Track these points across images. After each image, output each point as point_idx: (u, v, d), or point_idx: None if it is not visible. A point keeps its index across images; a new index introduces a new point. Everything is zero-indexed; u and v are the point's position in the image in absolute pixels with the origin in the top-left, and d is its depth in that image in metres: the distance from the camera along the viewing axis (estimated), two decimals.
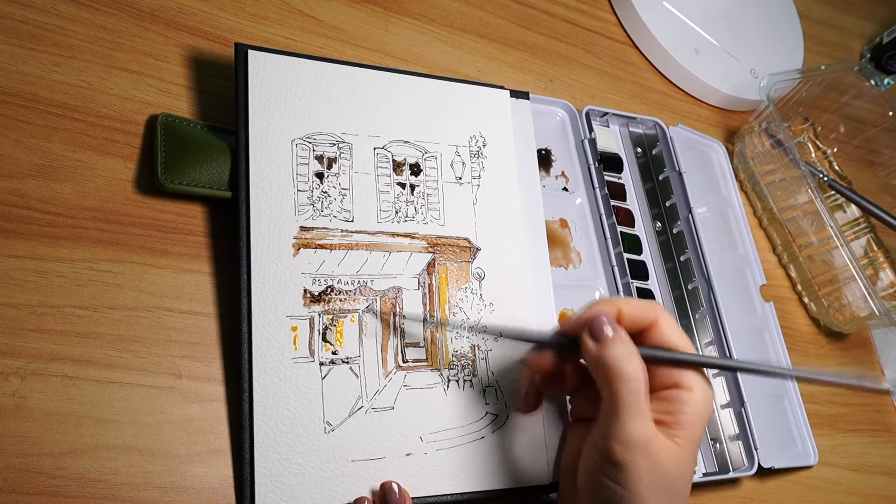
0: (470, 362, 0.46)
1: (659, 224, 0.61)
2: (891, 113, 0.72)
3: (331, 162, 0.46)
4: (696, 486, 0.53)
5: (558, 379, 0.44)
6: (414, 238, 0.47)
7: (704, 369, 0.40)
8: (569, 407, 0.46)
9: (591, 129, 0.60)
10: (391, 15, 0.59)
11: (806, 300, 0.68)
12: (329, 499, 0.40)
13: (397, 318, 0.45)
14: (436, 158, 0.50)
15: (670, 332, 0.40)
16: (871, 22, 0.95)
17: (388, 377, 0.44)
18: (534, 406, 0.45)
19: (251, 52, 0.46)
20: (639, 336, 0.40)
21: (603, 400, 0.38)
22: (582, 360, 0.42)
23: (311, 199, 0.45)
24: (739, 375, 0.56)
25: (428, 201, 0.49)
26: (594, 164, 0.60)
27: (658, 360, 0.39)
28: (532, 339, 0.44)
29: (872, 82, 0.72)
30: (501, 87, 0.54)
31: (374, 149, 0.48)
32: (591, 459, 0.38)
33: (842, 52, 0.90)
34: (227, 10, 0.52)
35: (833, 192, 0.72)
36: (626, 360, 0.37)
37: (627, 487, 0.36)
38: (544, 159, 0.59)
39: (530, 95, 0.56)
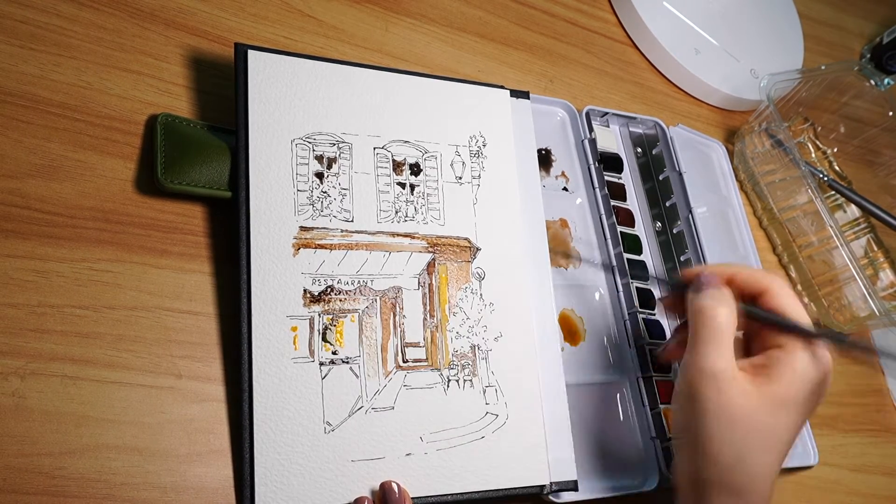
0: (470, 362, 0.46)
1: (659, 224, 0.61)
2: (891, 113, 0.72)
3: (331, 162, 0.46)
4: None
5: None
6: (414, 238, 0.47)
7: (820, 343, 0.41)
8: None
9: (591, 129, 0.60)
10: (391, 15, 0.59)
11: (806, 300, 0.68)
12: (329, 499, 0.40)
13: (397, 318, 0.46)
14: (436, 158, 0.50)
15: (782, 297, 0.42)
16: (871, 22, 0.95)
17: (388, 377, 0.44)
18: (672, 354, 0.47)
19: (251, 52, 0.46)
20: (752, 299, 0.42)
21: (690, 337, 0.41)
22: None
23: (310, 199, 0.45)
24: None
25: (428, 201, 0.49)
26: (594, 164, 0.60)
27: (760, 319, 0.42)
28: (663, 283, 0.51)
29: (872, 82, 0.72)
30: (501, 87, 0.54)
31: (374, 149, 0.48)
32: (674, 393, 0.42)
33: (842, 52, 0.90)
34: (227, 10, 0.52)
35: (833, 192, 0.72)
36: (713, 300, 0.40)
37: (696, 417, 0.39)
38: (544, 159, 0.59)
39: (530, 95, 0.56)
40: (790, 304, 0.42)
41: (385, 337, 0.45)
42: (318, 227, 0.45)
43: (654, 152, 0.64)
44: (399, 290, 0.46)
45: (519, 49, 0.64)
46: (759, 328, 0.43)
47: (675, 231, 0.61)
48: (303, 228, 0.44)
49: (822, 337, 0.41)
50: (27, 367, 0.38)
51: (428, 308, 0.47)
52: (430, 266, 0.47)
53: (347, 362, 0.43)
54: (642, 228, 0.60)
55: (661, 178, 0.63)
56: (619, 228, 0.58)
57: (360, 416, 0.42)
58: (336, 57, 0.52)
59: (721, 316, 0.40)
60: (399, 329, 0.45)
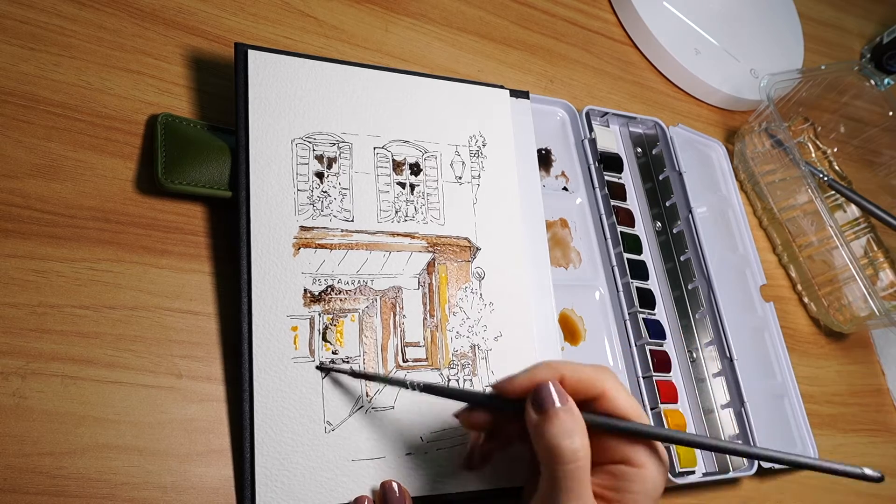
0: (470, 362, 0.46)
1: (659, 224, 0.61)
2: (891, 113, 0.72)
3: (331, 161, 0.46)
4: (697, 487, 0.53)
5: (501, 436, 0.41)
6: (414, 238, 0.47)
7: (659, 443, 0.37)
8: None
9: (591, 129, 0.60)
10: (391, 15, 0.59)
11: (806, 300, 0.68)
12: (329, 498, 0.40)
13: (397, 318, 0.46)
14: (436, 158, 0.50)
15: (620, 399, 0.37)
16: (871, 22, 0.95)
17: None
18: (479, 465, 0.43)
19: (251, 52, 0.46)
20: (586, 404, 0.37)
21: (542, 476, 0.35)
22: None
23: (311, 199, 0.45)
24: (740, 375, 0.56)
25: (428, 201, 0.49)
26: (594, 164, 0.60)
27: (606, 429, 0.36)
28: (470, 400, 0.40)
29: (872, 82, 0.72)
30: (501, 87, 0.54)
31: (374, 148, 0.48)
32: None
33: (842, 52, 0.90)
34: (227, 9, 0.52)
35: (833, 192, 0.72)
36: (569, 438, 0.34)
37: None
38: (544, 159, 0.59)
39: (530, 95, 0.56)
40: (630, 405, 0.37)
41: (385, 336, 0.45)
42: (318, 227, 0.45)
43: (654, 152, 0.64)
44: (399, 289, 0.46)
45: (519, 49, 0.64)
46: (599, 436, 0.37)
47: (675, 231, 0.61)
48: (303, 228, 0.44)
49: (674, 441, 0.37)
50: (27, 366, 0.38)
51: (428, 308, 0.47)
52: (430, 266, 0.47)
53: (348, 362, 0.43)
54: (642, 228, 0.60)
55: (661, 178, 0.63)
56: (619, 228, 0.58)
57: (361, 416, 0.42)
58: (336, 57, 0.52)
59: (581, 452, 0.34)
60: (399, 329, 0.45)
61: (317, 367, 0.42)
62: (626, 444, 0.36)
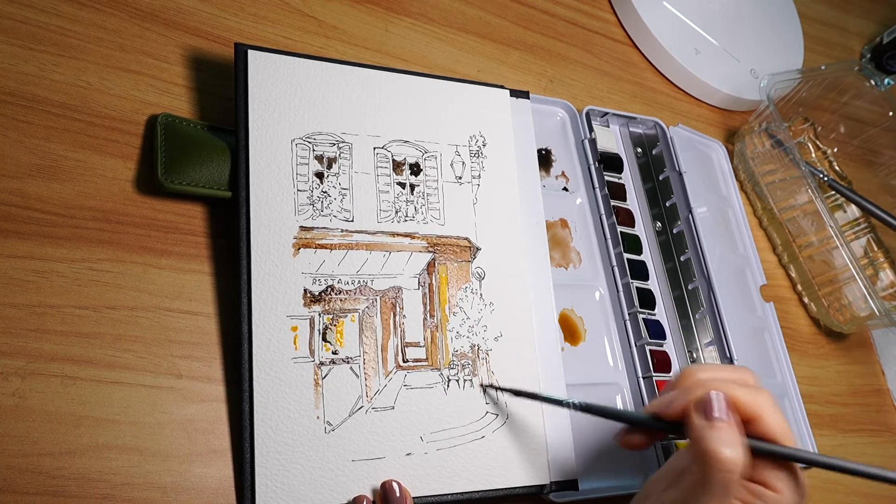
0: (470, 362, 0.46)
1: (659, 224, 0.61)
2: (891, 113, 0.72)
3: (331, 162, 0.46)
4: None
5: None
6: (414, 238, 0.47)
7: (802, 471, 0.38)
8: None
9: (591, 129, 0.60)
10: (391, 15, 0.59)
11: (806, 300, 0.68)
12: (329, 498, 0.40)
13: (397, 318, 0.46)
14: (436, 158, 0.50)
15: (773, 423, 0.37)
16: (871, 22, 0.95)
17: (389, 377, 0.44)
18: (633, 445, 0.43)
19: (251, 52, 0.46)
20: (744, 424, 0.38)
21: (695, 473, 0.36)
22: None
23: (311, 199, 0.45)
24: None
25: (428, 201, 0.49)
26: (594, 164, 0.60)
27: (759, 453, 0.37)
28: (630, 421, 0.41)
29: (872, 82, 0.72)
30: (501, 87, 0.54)
31: (374, 148, 0.48)
32: None
33: (842, 52, 0.90)
34: (227, 10, 0.52)
35: (833, 192, 0.72)
36: (730, 447, 0.35)
37: None
38: (544, 159, 0.59)
39: (530, 95, 0.56)
40: (781, 430, 0.37)
41: (385, 337, 0.45)
42: (318, 227, 0.45)
43: (654, 152, 0.64)
44: (399, 289, 0.46)
45: (519, 49, 0.64)
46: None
47: (675, 231, 0.61)
48: (303, 228, 0.44)
49: (839, 469, 0.38)
50: (28, 367, 0.38)
51: (428, 308, 0.47)
52: (430, 266, 0.47)
53: (348, 362, 0.43)
54: (642, 228, 0.60)
55: (661, 178, 0.63)
56: (619, 228, 0.58)
57: (361, 416, 0.42)
58: (336, 57, 0.52)
59: (738, 463, 0.35)
60: (399, 329, 0.45)
61: (480, 385, 0.46)
62: (770, 467, 0.37)
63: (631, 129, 0.64)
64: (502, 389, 0.46)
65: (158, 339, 0.41)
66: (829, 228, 0.61)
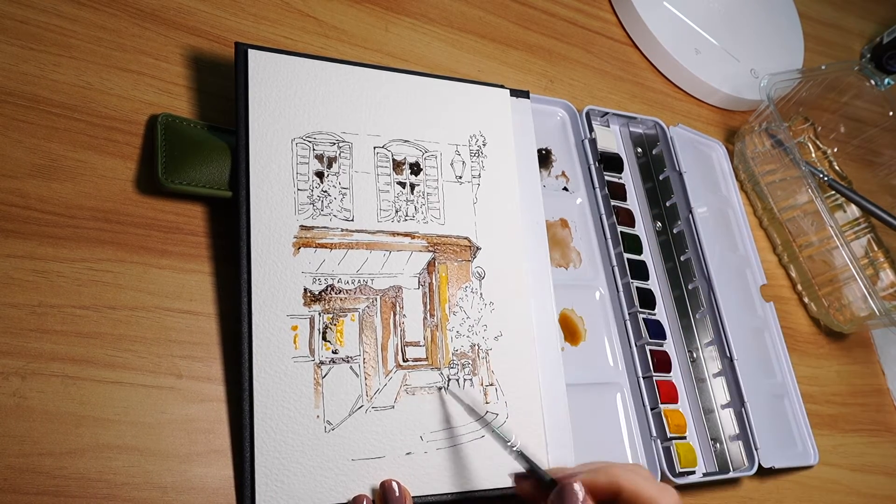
0: (470, 361, 0.46)
1: (659, 224, 0.61)
2: (891, 113, 0.72)
3: (331, 161, 0.46)
4: (697, 486, 0.53)
5: None
6: (414, 237, 0.47)
7: None
8: None
9: (591, 129, 0.60)
10: (391, 15, 0.59)
11: (806, 300, 0.68)
12: (329, 498, 0.40)
13: (397, 317, 0.46)
14: (436, 157, 0.50)
15: None
16: (871, 22, 0.95)
17: (389, 376, 0.44)
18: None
19: (251, 52, 0.46)
20: None
21: None
22: None
23: (311, 199, 0.45)
24: (740, 375, 0.56)
25: (428, 200, 0.49)
26: (594, 164, 0.60)
27: None
28: (532, 474, 0.41)
29: (872, 82, 0.72)
30: (501, 87, 0.54)
31: (374, 148, 0.48)
32: None
33: (842, 52, 0.90)
34: (227, 9, 0.52)
35: (833, 192, 0.72)
36: None
37: None
38: (544, 159, 0.59)
39: (530, 95, 0.56)
40: None
41: (385, 336, 0.45)
42: (318, 227, 0.45)
43: (654, 152, 0.64)
44: (399, 289, 0.46)
45: (519, 49, 0.64)
46: None
47: (675, 231, 0.61)
48: (303, 227, 0.44)
49: None
50: (28, 367, 0.38)
51: (428, 307, 0.47)
52: (431, 265, 0.47)
53: (348, 361, 0.43)
54: (642, 228, 0.60)
55: (661, 178, 0.63)
56: (619, 228, 0.58)
57: (361, 415, 0.42)
58: (336, 57, 0.52)
59: None
60: (399, 328, 0.45)
61: (438, 388, 0.45)
62: None
63: (631, 129, 0.64)
64: (459, 399, 0.44)
65: (158, 339, 0.41)
66: (830, 228, 0.61)
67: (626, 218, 0.59)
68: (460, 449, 0.44)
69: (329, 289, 0.44)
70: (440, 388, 0.45)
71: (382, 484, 0.41)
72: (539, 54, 0.65)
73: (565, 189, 0.59)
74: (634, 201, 0.61)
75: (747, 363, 0.57)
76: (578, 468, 0.40)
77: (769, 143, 0.67)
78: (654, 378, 0.53)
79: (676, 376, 0.56)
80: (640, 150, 0.64)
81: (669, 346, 0.56)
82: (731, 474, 0.53)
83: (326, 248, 0.44)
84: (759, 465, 0.54)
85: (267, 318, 0.42)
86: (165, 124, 0.44)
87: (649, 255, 0.59)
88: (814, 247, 0.66)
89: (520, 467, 0.42)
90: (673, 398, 0.54)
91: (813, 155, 0.76)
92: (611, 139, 0.61)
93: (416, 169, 0.49)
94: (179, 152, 0.44)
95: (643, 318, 0.55)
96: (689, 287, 0.59)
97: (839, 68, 0.72)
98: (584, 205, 0.59)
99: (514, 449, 0.41)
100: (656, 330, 0.55)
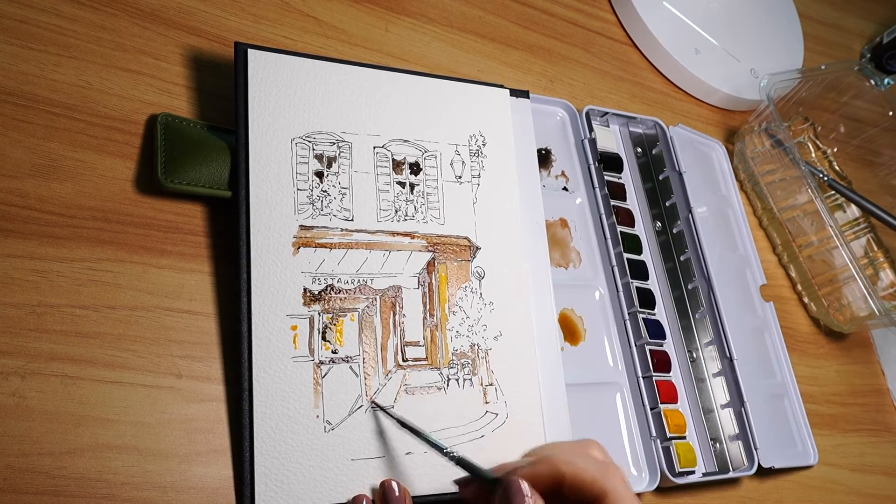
0: (470, 361, 0.46)
1: (659, 224, 0.61)
2: (891, 113, 0.72)
3: (330, 161, 0.46)
4: (697, 486, 0.53)
5: None
6: (414, 237, 0.47)
7: None
8: None
9: (591, 129, 0.60)
10: (391, 15, 0.59)
11: (806, 300, 0.68)
12: (329, 498, 0.40)
13: (397, 317, 0.46)
14: (435, 157, 0.50)
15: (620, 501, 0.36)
16: (871, 22, 0.95)
17: (388, 376, 0.44)
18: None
19: (251, 52, 0.46)
20: None
21: None
22: None
23: (310, 198, 0.45)
24: (740, 375, 0.56)
25: (428, 200, 0.49)
26: (594, 163, 0.60)
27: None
28: (478, 475, 0.40)
29: (872, 82, 0.72)
30: (501, 87, 0.54)
31: (374, 148, 0.48)
32: None
33: (842, 52, 0.90)
34: (227, 9, 0.52)
35: (833, 192, 0.72)
36: None
37: None
38: (544, 159, 0.59)
39: (530, 95, 0.56)
40: None
41: (385, 336, 0.45)
42: (317, 226, 0.45)
43: (654, 152, 0.64)
44: (399, 289, 0.46)
45: (519, 49, 0.64)
46: None
47: (675, 231, 0.61)
48: (303, 227, 0.44)
49: None
50: (27, 366, 0.38)
51: (428, 307, 0.47)
52: (430, 265, 0.47)
53: (347, 361, 0.43)
54: (642, 228, 0.60)
55: (661, 178, 0.63)
56: (619, 228, 0.58)
57: (360, 415, 0.42)
58: (336, 56, 0.52)
59: None
60: (399, 328, 0.45)
61: (373, 404, 0.43)
62: None
63: (631, 128, 0.64)
64: (392, 416, 0.43)
65: (158, 339, 0.41)
66: (829, 228, 0.61)
67: (626, 218, 0.59)
68: (460, 448, 0.44)
69: (329, 288, 0.44)
70: (373, 407, 0.43)
71: (382, 484, 0.41)
72: (539, 54, 0.65)
73: (565, 189, 0.59)
74: (634, 201, 0.61)
75: (747, 363, 0.57)
76: (521, 461, 0.39)
77: (769, 143, 0.67)
78: (654, 378, 0.53)
79: (676, 376, 0.56)
80: (639, 150, 0.64)
81: (669, 346, 0.56)
82: (731, 474, 0.53)
83: (326, 247, 0.45)
84: (759, 465, 0.54)
85: (266, 318, 0.42)
86: (165, 124, 0.44)
87: (649, 255, 0.59)
88: (814, 247, 0.66)
89: (460, 473, 0.41)
90: (673, 398, 0.54)
91: (813, 155, 0.76)
92: (610, 139, 0.61)
93: (415, 169, 0.49)
94: (179, 152, 0.44)
95: (643, 318, 0.55)
96: (689, 287, 0.59)
97: (839, 68, 0.72)
98: (584, 205, 0.59)
99: (453, 455, 0.40)
100: (656, 330, 0.55)
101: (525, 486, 0.36)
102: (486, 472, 0.39)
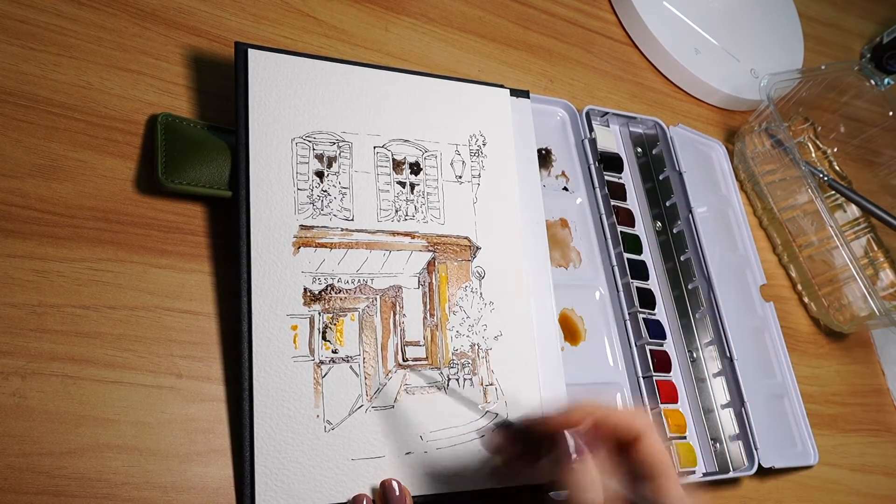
0: (470, 361, 0.46)
1: (659, 224, 0.61)
2: (891, 113, 0.72)
3: (331, 161, 0.46)
4: (696, 486, 0.53)
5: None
6: (414, 237, 0.47)
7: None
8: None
9: (591, 129, 0.60)
10: (391, 15, 0.59)
11: (806, 300, 0.68)
12: (329, 497, 0.40)
13: (397, 317, 0.46)
14: (436, 157, 0.50)
15: (654, 450, 0.37)
16: (871, 22, 0.95)
17: (388, 376, 0.44)
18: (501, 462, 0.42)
19: (251, 51, 0.46)
20: (620, 448, 0.37)
21: None
22: None
23: (311, 198, 0.45)
24: (740, 374, 0.56)
25: (428, 200, 0.49)
26: (594, 163, 0.60)
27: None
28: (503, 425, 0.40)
29: (872, 82, 0.72)
30: (501, 86, 0.54)
31: (374, 147, 0.48)
32: None
33: (842, 52, 0.90)
34: (227, 9, 0.52)
35: (833, 192, 0.72)
36: (583, 491, 0.35)
37: None
38: (544, 159, 0.59)
39: (530, 95, 0.56)
40: (661, 454, 0.37)
41: (385, 336, 0.45)
42: (318, 226, 0.45)
43: (654, 152, 0.64)
44: (399, 288, 0.46)
45: (519, 49, 0.65)
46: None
47: (675, 231, 0.61)
48: (303, 227, 0.44)
49: None
50: (28, 366, 0.38)
51: (428, 307, 0.47)
52: (430, 265, 0.47)
53: (347, 361, 0.43)
54: (642, 228, 0.60)
55: (661, 177, 0.63)
56: (619, 228, 0.58)
57: (361, 415, 0.42)
58: (336, 56, 0.52)
59: None
60: (399, 328, 0.45)
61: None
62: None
63: (631, 128, 0.64)
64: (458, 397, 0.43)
65: (158, 339, 0.41)
66: (829, 228, 0.61)
67: (626, 218, 0.59)
68: (460, 448, 0.44)
69: (329, 288, 0.44)
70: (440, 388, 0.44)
71: (382, 483, 0.41)
72: (539, 54, 0.65)
73: (565, 189, 0.59)
74: (634, 201, 0.61)
75: (747, 363, 0.57)
76: (550, 413, 0.39)
77: (769, 143, 0.67)
78: (654, 378, 0.53)
79: (676, 376, 0.56)
80: (639, 149, 0.64)
81: (669, 345, 0.56)
82: (731, 474, 0.53)
83: (326, 247, 0.45)
84: (759, 464, 0.54)
85: (267, 318, 0.42)
86: (165, 124, 0.44)
87: (649, 254, 0.59)
88: (814, 247, 0.66)
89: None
90: (673, 398, 0.54)
91: (813, 155, 0.76)
92: (611, 139, 0.61)
93: (415, 168, 0.49)
94: (179, 152, 0.44)
95: (643, 318, 0.55)
96: (689, 287, 0.59)
97: (839, 68, 0.72)
98: (584, 205, 0.59)
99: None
100: (656, 330, 0.55)
101: (571, 438, 0.36)
102: (521, 425, 0.39)
